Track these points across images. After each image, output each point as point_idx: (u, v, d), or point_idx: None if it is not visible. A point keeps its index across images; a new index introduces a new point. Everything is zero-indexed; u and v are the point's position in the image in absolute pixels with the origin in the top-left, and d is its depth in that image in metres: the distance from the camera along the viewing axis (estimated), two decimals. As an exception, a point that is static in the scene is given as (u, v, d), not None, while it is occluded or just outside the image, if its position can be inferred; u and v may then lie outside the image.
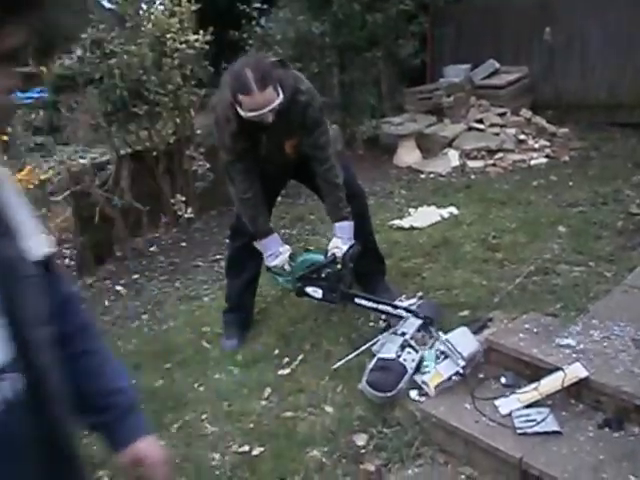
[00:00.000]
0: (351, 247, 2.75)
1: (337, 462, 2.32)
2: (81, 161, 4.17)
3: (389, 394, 2.47)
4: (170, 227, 4.68)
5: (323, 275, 2.77)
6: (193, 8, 4.20)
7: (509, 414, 2.28)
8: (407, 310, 2.78)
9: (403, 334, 2.67)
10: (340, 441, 2.40)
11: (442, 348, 2.57)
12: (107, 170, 4.13)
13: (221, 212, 4.93)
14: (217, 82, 2.82)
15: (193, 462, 2.39)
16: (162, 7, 4.12)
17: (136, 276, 4.20)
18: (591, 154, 5.52)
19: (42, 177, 3.81)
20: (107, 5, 4.66)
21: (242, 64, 2.50)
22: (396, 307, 2.81)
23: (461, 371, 2.49)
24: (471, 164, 5.66)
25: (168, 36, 4.05)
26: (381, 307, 2.82)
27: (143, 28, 4.04)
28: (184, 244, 4.61)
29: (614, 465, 2.01)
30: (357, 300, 2.81)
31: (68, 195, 4.07)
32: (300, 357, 2.92)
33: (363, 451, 2.36)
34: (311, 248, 3.89)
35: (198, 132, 4.53)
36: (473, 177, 5.42)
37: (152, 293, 3.95)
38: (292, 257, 2.87)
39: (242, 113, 2.49)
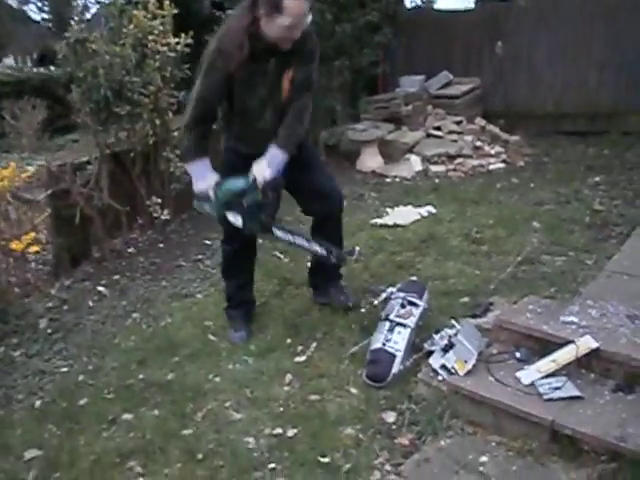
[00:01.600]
0: (275, 178, 2.70)
1: (372, 438, 2.38)
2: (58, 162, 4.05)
3: (383, 383, 2.63)
4: (146, 229, 4.61)
5: (245, 204, 2.70)
6: (174, 12, 4.22)
7: (531, 384, 2.44)
8: (320, 245, 2.85)
9: (387, 317, 2.80)
10: (371, 419, 2.47)
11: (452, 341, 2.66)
12: (87, 170, 4.03)
13: (197, 214, 4.90)
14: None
15: (227, 447, 2.39)
16: (144, 10, 4.11)
17: (117, 277, 4.10)
18: (544, 159, 5.91)
19: (23, 175, 3.67)
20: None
21: None
22: (310, 241, 2.88)
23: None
24: (434, 168, 5.92)
25: (150, 38, 4.07)
26: (297, 241, 2.86)
27: (125, 29, 4.02)
28: (162, 245, 4.55)
29: (636, 422, 2.19)
30: (275, 231, 2.83)
31: (47, 195, 3.94)
32: (314, 345, 2.97)
33: (394, 427, 2.44)
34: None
35: (175, 134, 4.50)
36: (437, 181, 5.67)
37: (139, 292, 3.87)
38: (219, 184, 2.74)
39: (281, 21, 2.40)
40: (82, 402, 2.80)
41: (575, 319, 2.75)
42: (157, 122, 4.24)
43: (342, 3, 5.91)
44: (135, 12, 4.07)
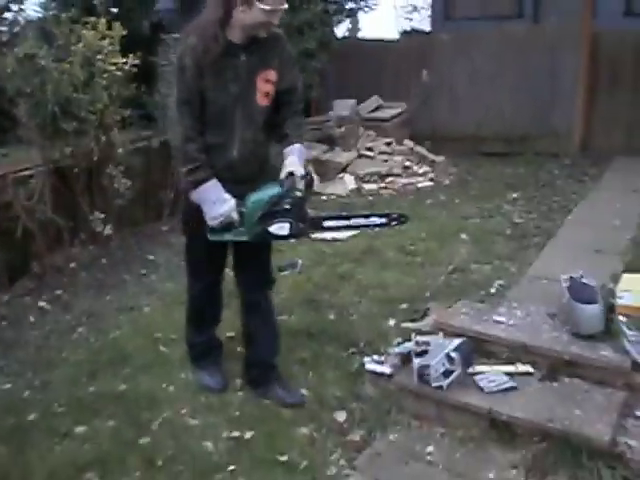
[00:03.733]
0: (308, 171, 2.54)
1: (326, 436, 2.52)
2: None
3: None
4: (88, 244, 4.59)
5: (287, 206, 2.41)
6: (123, 33, 4.31)
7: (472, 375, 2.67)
8: (379, 215, 2.68)
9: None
10: (324, 418, 2.61)
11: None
12: (30, 184, 4.00)
13: (139, 230, 4.93)
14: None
15: (186, 452, 2.46)
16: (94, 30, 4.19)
17: (59, 292, 4.06)
18: (468, 178, 6.34)
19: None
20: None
21: None
22: (368, 216, 2.69)
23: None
24: (366, 187, 6.20)
25: (98, 57, 4.13)
26: (353, 222, 2.68)
27: (73, 47, 4.07)
28: (105, 260, 4.53)
29: (561, 405, 2.46)
30: (327, 223, 2.64)
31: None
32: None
33: (346, 425, 2.60)
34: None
35: (119, 151, 4.54)
36: (370, 198, 5.95)
37: (83, 307, 3.85)
38: (242, 201, 2.47)
39: (261, 6, 2.31)
40: (31, 417, 2.75)
41: (503, 319, 3.03)
42: (102, 139, 4.28)
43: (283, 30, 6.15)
44: (84, 32, 4.12)
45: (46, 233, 4.20)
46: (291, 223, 2.43)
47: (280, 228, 2.44)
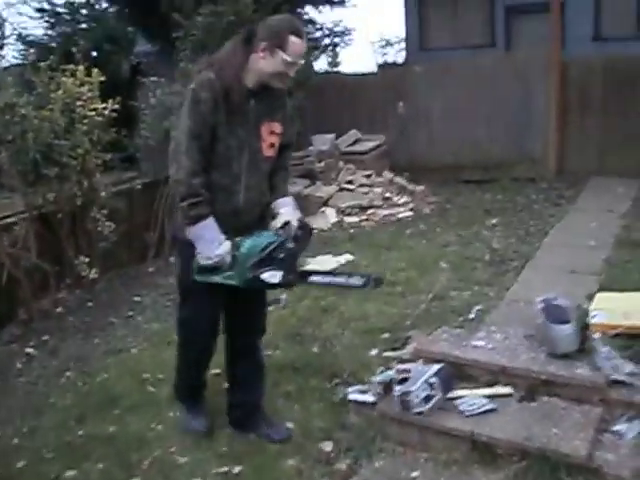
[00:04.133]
0: (304, 221, 2.56)
1: (312, 467, 2.57)
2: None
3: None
4: (74, 288, 4.64)
5: (282, 256, 2.41)
6: (101, 79, 4.46)
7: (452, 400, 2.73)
8: (361, 275, 2.68)
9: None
10: (310, 449, 2.66)
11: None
12: (14, 231, 4.08)
13: (125, 272, 5.00)
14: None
15: (177, 490, 2.51)
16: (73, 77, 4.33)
17: (46, 337, 4.11)
18: (447, 206, 6.48)
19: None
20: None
21: (281, 16, 2.55)
22: (350, 274, 2.72)
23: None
24: (348, 219, 6.32)
25: (78, 103, 4.26)
26: (337, 280, 2.71)
27: (53, 95, 4.19)
28: (91, 304, 4.59)
29: (539, 424, 2.53)
30: (312, 278, 2.63)
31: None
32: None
33: (332, 455, 2.65)
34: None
35: (102, 194, 4.64)
36: (352, 231, 6.06)
37: (70, 351, 3.90)
38: (237, 246, 2.45)
39: (284, 56, 2.35)
40: (20, 465, 2.79)
41: (482, 343, 3.11)
42: (85, 183, 4.38)
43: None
44: (64, 79, 4.25)
45: (32, 279, 4.27)
46: (283, 273, 2.42)
47: (272, 276, 2.42)
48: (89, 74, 4.47)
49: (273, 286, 2.49)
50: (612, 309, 3.07)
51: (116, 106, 4.55)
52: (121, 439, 2.87)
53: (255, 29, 2.44)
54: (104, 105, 4.49)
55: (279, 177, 2.66)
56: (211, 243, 2.40)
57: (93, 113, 4.36)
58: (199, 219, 2.39)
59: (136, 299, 4.62)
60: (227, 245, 2.42)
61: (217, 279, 2.47)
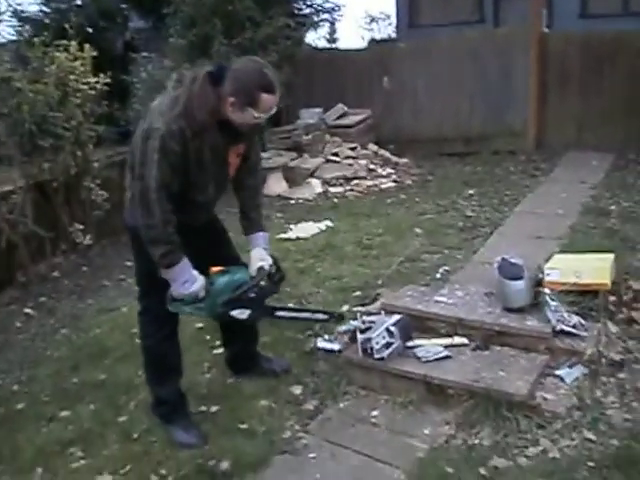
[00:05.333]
0: (273, 258, 2.68)
1: (283, 406, 2.85)
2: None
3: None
4: (69, 253, 4.90)
5: (252, 295, 2.55)
6: (93, 54, 4.66)
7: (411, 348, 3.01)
8: (324, 312, 2.96)
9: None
10: (281, 392, 2.94)
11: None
12: (12, 199, 4.32)
13: (117, 239, 5.24)
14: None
15: (159, 426, 2.76)
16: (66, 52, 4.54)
17: (43, 299, 4.38)
18: (429, 178, 6.72)
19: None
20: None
21: (254, 64, 2.39)
22: (314, 311, 3.02)
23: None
24: (332, 190, 6.56)
25: (71, 77, 4.47)
26: (302, 315, 3.01)
27: (47, 69, 4.40)
28: (85, 268, 4.85)
29: (488, 369, 2.79)
30: (279, 313, 2.79)
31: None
32: (230, 339, 3.42)
33: (301, 397, 2.93)
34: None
35: (95, 165, 4.87)
36: (336, 200, 6.30)
37: (66, 311, 4.17)
38: (212, 283, 2.54)
39: (252, 113, 2.33)
40: (19, 407, 3.08)
41: (444, 299, 3.38)
42: (78, 154, 4.62)
43: (245, 46, 6.52)
44: (57, 54, 4.46)
45: (29, 244, 4.51)
46: (251, 311, 2.56)
47: (241, 313, 2.56)
48: (82, 49, 4.67)
49: (241, 321, 2.60)
50: (565, 268, 3.30)
51: (108, 80, 4.76)
52: (111, 384, 3.16)
53: (225, 69, 2.36)
54: (96, 79, 4.69)
55: (254, 206, 2.73)
56: (184, 283, 2.45)
57: (85, 87, 4.57)
58: (174, 264, 2.41)
59: (128, 264, 4.83)
60: (200, 281, 2.48)
61: (187, 310, 2.57)
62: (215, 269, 2.57)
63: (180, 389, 2.79)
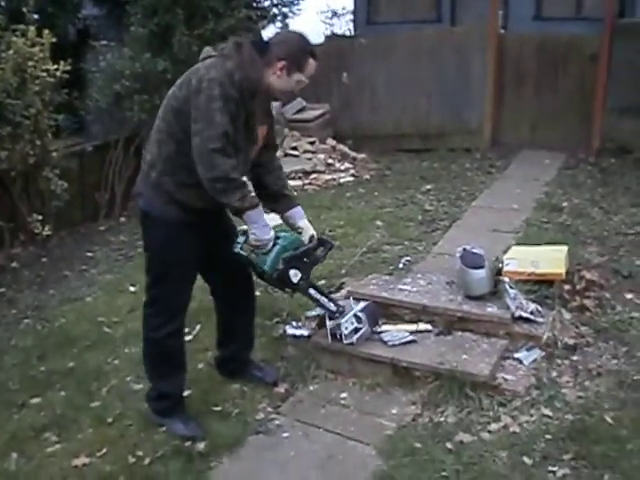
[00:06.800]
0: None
1: (255, 390, 2.93)
2: None
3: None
4: (27, 244, 4.81)
5: (306, 260, 2.65)
6: (53, 40, 4.57)
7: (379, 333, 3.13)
8: (336, 304, 3.00)
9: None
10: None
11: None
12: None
13: (77, 230, 5.19)
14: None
15: (133, 410, 2.81)
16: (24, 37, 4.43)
17: (3, 289, 4.30)
18: (386, 173, 6.86)
19: None
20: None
21: (296, 33, 2.53)
22: (331, 300, 3.00)
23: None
24: (292, 183, 6.60)
25: (30, 64, 4.37)
26: (323, 300, 2.94)
27: (4, 54, 4.29)
28: (45, 259, 4.78)
29: (451, 353, 2.93)
30: (311, 291, 2.84)
31: None
32: (198, 326, 3.46)
33: (273, 380, 3.02)
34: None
35: (54, 154, 4.79)
36: (295, 193, 6.34)
37: (27, 301, 4.11)
38: (278, 238, 2.58)
39: (297, 77, 2.42)
40: (-14, 396, 3.05)
41: (408, 287, 3.52)
42: (37, 143, 4.52)
43: (207, 37, 6.46)
44: (14, 39, 4.35)
45: (-15, 235, 4.42)
46: (302, 275, 2.64)
47: (295, 275, 2.62)
48: (40, 35, 4.58)
49: (291, 285, 2.66)
50: (523, 259, 3.48)
51: (67, 67, 4.67)
52: (81, 372, 3.16)
53: (268, 42, 2.46)
54: (55, 66, 4.60)
55: (282, 182, 2.80)
56: (264, 227, 2.49)
57: (45, 74, 4.48)
58: (254, 207, 2.41)
59: (89, 254, 4.83)
60: (273, 232, 2.54)
61: (253, 257, 2.58)
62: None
63: (184, 383, 2.74)
